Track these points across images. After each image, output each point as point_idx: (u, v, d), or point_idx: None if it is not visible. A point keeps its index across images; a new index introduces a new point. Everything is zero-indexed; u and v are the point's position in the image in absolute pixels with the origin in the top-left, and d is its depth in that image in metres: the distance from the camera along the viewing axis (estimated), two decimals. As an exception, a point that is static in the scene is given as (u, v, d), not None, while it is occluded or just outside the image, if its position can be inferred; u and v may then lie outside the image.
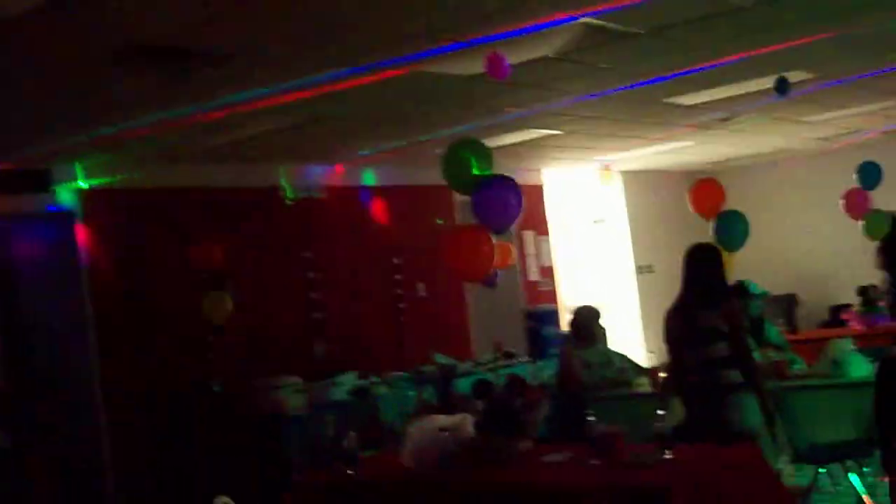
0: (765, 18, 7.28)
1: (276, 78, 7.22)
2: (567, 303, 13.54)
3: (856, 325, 9.31)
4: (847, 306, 12.20)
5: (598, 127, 11.35)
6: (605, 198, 15.29)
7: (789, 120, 12.43)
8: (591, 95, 9.29)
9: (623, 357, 8.94)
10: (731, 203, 17.78)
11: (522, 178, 13.24)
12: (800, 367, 7.91)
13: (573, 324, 8.42)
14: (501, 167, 12.63)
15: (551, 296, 13.64)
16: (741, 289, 8.44)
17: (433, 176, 11.85)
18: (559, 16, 6.51)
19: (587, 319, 8.36)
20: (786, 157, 15.90)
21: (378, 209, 11.86)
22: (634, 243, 15.51)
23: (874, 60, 9.35)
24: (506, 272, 11.80)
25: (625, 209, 15.58)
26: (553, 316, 11.88)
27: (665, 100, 10.07)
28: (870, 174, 10.85)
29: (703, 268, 6.36)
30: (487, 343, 12.04)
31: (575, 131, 11.39)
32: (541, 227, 13.77)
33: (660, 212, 15.78)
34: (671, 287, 14.19)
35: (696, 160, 15.55)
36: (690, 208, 8.39)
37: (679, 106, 10.43)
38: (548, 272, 13.76)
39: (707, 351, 6.16)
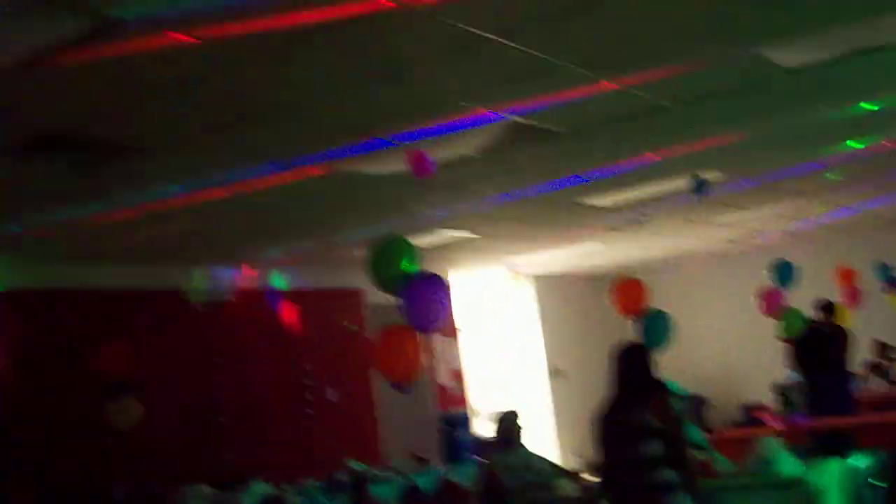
0: (683, 119, 7.32)
1: (188, 174, 7.01)
2: (478, 406, 13.37)
3: (774, 424, 9.26)
4: (760, 405, 12.23)
5: (512, 229, 11.31)
6: (514, 300, 15.23)
7: (700, 221, 12.55)
8: (507, 196, 9.25)
9: (544, 460, 8.74)
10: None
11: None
12: (725, 465, 7.81)
13: (497, 428, 8.20)
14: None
15: (461, 400, 13.42)
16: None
17: (344, 279, 11.76)
18: (486, 113, 6.43)
19: (511, 423, 8.16)
20: (692, 259, 16.02)
21: (287, 312, 11.57)
22: (547, 347, 15.43)
23: (785, 160, 9.47)
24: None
25: (536, 312, 15.52)
26: (467, 420, 11.65)
27: (580, 200, 10.06)
28: (784, 273, 10.95)
29: (633, 365, 6.21)
30: (399, 448, 11.76)
31: (488, 233, 11.32)
32: (450, 330, 13.59)
33: (571, 315, 15.78)
34: (585, 390, 14.20)
35: (605, 263, 15.61)
36: (614, 308, 8.29)
37: (593, 207, 10.42)
38: (457, 375, 13.54)
39: (640, 450, 5.98)
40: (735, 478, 7.39)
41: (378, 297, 12.29)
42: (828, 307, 11.18)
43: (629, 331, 17.76)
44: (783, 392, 9.99)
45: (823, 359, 10.21)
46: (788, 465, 7.03)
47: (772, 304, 10.73)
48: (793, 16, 5.53)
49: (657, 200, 10.49)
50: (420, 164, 6.48)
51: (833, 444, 8.21)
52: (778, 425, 9.10)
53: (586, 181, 9.07)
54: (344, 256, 10.91)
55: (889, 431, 8.68)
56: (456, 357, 13.52)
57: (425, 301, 6.02)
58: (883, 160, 10.02)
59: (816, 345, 10.52)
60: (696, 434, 8.55)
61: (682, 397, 8.45)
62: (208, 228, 8.88)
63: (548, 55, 5.48)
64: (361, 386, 11.86)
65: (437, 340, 13.09)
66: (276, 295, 11.37)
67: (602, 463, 6.33)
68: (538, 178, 8.68)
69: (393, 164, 7.16)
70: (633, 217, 11.51)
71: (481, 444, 11.46)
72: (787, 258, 11.57)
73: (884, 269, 13.65)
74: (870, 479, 7.38)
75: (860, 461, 7.51)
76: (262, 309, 11.25)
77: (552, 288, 15.83)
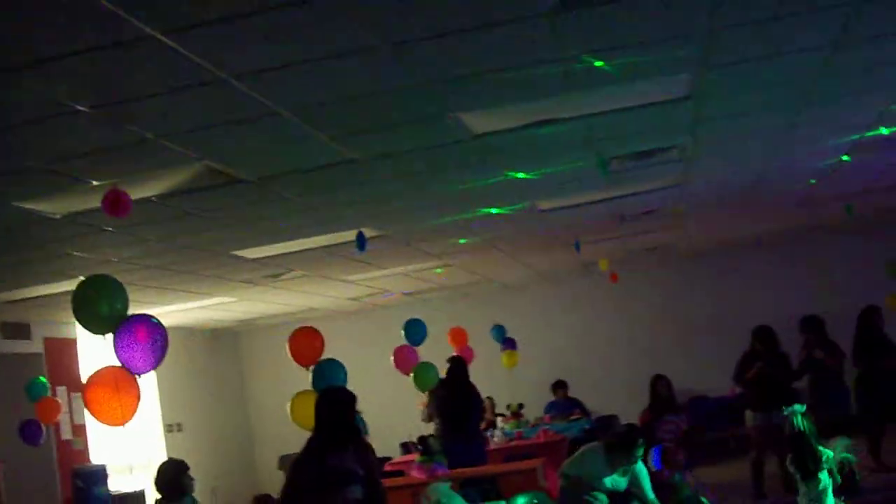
0: (363, 174, 7.58)
1: None
2: (100, 461, 12.83)
3: (417, 475, 9.62)
4: (388, 459, 12.64)
5: (151, 277, 11.02)
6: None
7: (334, 278, 12.86)
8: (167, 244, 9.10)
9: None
10: (253, 360, 18.01)
11: (53, 332, 12.63)
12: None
13: (159, 480, 7.98)
14: (32, 320, 12.06)
15: (82, 455, 12.84)
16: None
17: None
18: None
19: (174, 474, 7.96)
20: (313, 315, 16.29)
21: None
22: (163, 402, 15.09)
23: (436, 221, 9.99)
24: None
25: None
26: (103, 475, 11.13)
27: (229, 251, 10.03)
28: (416, 331, 11.41)
29: (335, 409, 6.32)
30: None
31: (127, 281, 10.97)
32: (73, 384, 13.01)
33: (188, 370, 15.56)
34: (200, 444, 13.98)
35: (223, 317, 15.56)
36: (289, 356, 8.35)
37: (241, 258, 10.44)
38: (80, 430, 12.97)
39: (340, 495, 6.09)
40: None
41: (4, 345, 11.75)
42: (458, 363, 11.80)
43: (247, 385, 17.95)
44: (426, 443, 10.41)
45: (459, 413, 10.75)
46: (462, 506, 7.39)
47: (405, 360, 11.14)
48: (491, 86, 5.95)
49: (300, 254, 10.68)
50: (115, 203, 6.31)
51: (485, 491, 8.71)
52: (421, 475, 9.47)
53: (246, 230, 9.11)
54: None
55: (524, 477, 9.31)
56: (80, 411, 12.94)
57: (140, 342, 5.84)
58: (516, 226, 10.83)
59: (453, 400, 11.04)
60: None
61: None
62: None
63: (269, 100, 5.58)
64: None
65: (61, 394, 12.53)
66: None
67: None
68: (204, 225, 8.61)
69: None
70: (274, 271, 11.64)
71: (120, 499, 11.03)
72: (410, 317, 12.00)
73: (499, 330, 14.63)
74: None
75: (520, 501, 8.03)
76: None
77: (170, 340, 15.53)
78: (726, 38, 5.70)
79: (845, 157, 9.70)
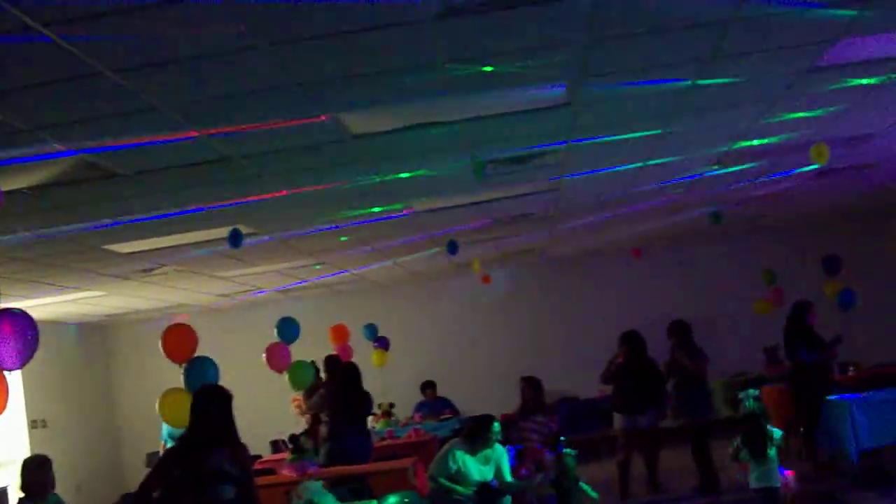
0: (244, 170, 7.54)
1: None
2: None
3: (288, 473, 9.57)
4: (258, 457, 12.55)
5: (19, 271, 10.76)
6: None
7: (205, 274, 12.72)
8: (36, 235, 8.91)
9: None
10: (121, 355, 17.71)
11: None
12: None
13: (23, 477, 7.78)
14: None
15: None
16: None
17: None
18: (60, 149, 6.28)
19: (38, 470, 7.77)
20: (185, 309, 16.07)
21: None
22: (27, 397, 14.72)
23: (311, 220, 9.98)
24: None
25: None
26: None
27: (102, 245, 9.86)
28: (289, 329, 11.36)
29: (212, 408, 6.25)
30: None
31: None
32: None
33: (54, 364, 15.21)
34: (66, 441, 13.72)
35: (92, 312, 15.26)
36: (161, 352, 8.23)
37: (112, 252, 10.26)
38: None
39: (213, 494, 6.04)
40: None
41: None
42: (334, 363, 11.79)
43: (115, 381, 17.61)
44: (296, 441, 10.34)
45: (353, 407, 10.71)
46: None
47: (278, 358, 11.07)
48: (372, 88, 5.99)
49: (173, 249, 10.56)
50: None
51: (356, 490, 8.71)
52: (292, 473, 9.42)
53: (119, 224, 8.97)
54: None
55: (395, 476, 9.35)
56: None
57: (9, 337, 5.71)
58: (391, 227, 10.88)
59: (347, 394, 11.00)
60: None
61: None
62: None
63: (149, 97, 5.53)
64: None
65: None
66: None
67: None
68: (78, 218, 8.45)
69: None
70: (146, 266, 11.47)
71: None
72: (284, 315, 11.93)
73: (371, 329, 14.67)
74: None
75: (391, 501, 8.07)
76: None
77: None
78: (603, 50, 5.84)
79: (715, 167, 10.00)
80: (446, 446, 8.84)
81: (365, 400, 10.78)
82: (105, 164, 6.81)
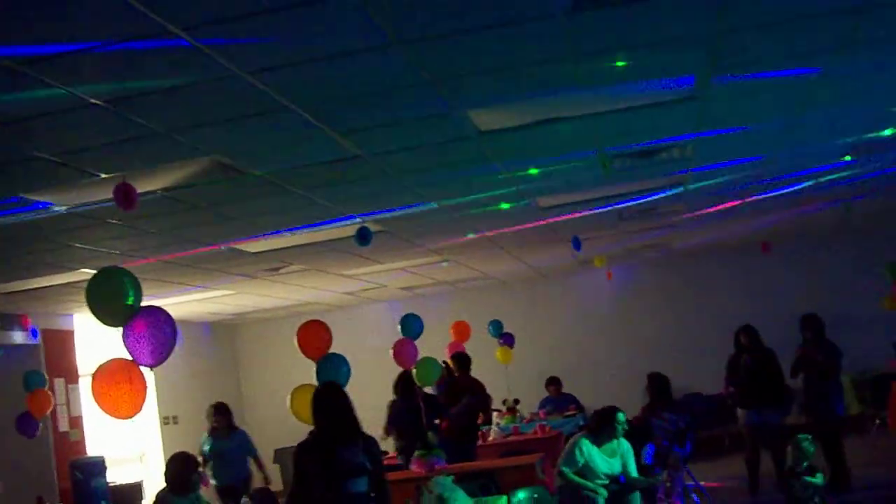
0: (372, 168, 7.61)
1: None
2: (97, 453, 12.84)
3: (416, 469, 9.66)
4: (385, 453, 12.65)
5: (151, 269, 11.04)
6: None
7: (331, 272, 12.89)
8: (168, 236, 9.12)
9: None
10: (248, 354, 18.08)
11: (51, 323, 12.63)
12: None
13: (168, 472, 7.97)
14: (30, 311, 12.05)
15: (80, 447, 12.85)
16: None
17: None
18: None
19: (185, 469, 7.95)
20: (312, 308, 16.28)
21: None
22: (159, 394, 15.10)
23: (437, 218, 10.03)
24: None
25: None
26: (101, 467, 11.16)
27: (233, 244, 10.06)
28: (412, 326, 11.40)
29: (339, 405, 6.36)
30: (15, 494, 11.15)
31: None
32: (71, 375, 13.03)
33: (184, 362, 15.56)
34: (195, 437, 14.05)
35: (220, 310, 15.59)
36: (295, 347, 8.38)
37: (243, 252, 10.47)
38: (77, 422, 12.98)
39: (348, 487, 6.14)
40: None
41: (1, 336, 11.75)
42: (463, 359, 11.88)
43: (242, 377, 18.00)
44: (422, 437, 10.42)
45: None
46: (464, 500, 7.42)
47: (405, 354, 11.15)
48: (503, 83, 6.00)
49: (300, 248, 10.72)
50: (125, 196, 6.35)
51: (484, 486, 8.76)
52: (420, 469, 9.49)
53: (249, 223, 9.15)
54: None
55: (522, 472, 9.36)
56: (77, 402, 12.97)
57: (150, 335, 5.87)
58: (515, 223, 10.89)
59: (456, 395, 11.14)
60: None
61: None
62: None
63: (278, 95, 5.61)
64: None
65: (58, 386, 12.54)
66: None
67: (299, 498, 6.39)
68: (209, 219, 8.64)
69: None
70: (273, 265, 11.67)
71: (118, 491, 11.11)
72: (406, 312, 12.01)
73: (497, 326, 14.69)
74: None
75: (521, 496, 8.09)
76: None
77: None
78: (734, 41, 5.75)
79: (847, 157, 9.77)
80: (573, 439, 8.84)
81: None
82: (235, 164, 6.94)
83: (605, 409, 8.79)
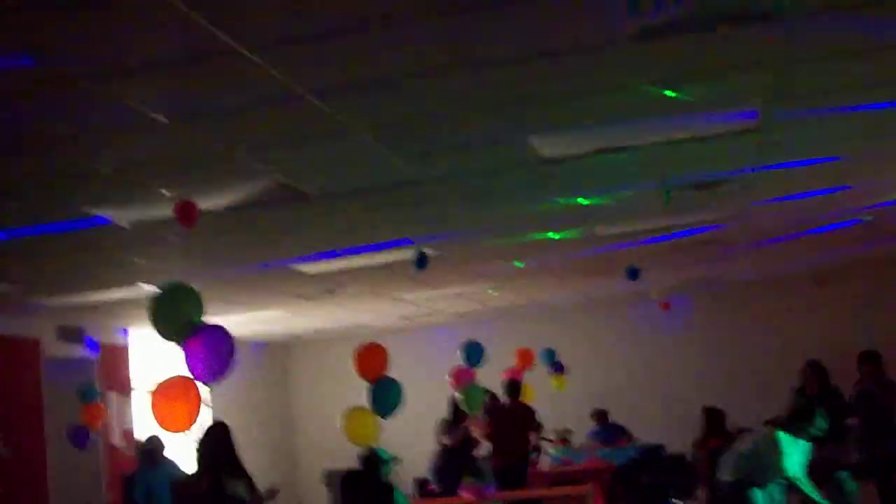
0: (428, 192, 7.64)
1: None
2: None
3: (466, 495, 9.66)
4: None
5: (207, 288, 11.08)
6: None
7: (386, 295, 12.91)
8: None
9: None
10: (300, 374, 18.16)
11: (106, 337, 12.76)
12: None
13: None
14: (87, 325, 12.17)
15: (132, 461, 12.93)
16: (374, 456, 8.47)
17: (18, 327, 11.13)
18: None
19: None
20: (365, 331, 16.27)
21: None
22: (215, 410, 15.16)
23: (492, 243, 10.03)
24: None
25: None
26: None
27: (291, 266, 10.10)
28: (474, 353, 11.37)
29: (223, 441, 6.60)
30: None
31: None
32: (124, 389, 13.15)
33: (237, 379, 15.58)
34: (246, 454, 13.98)
35: (273, 331, 15.68)
36: (349, 370, 8.42)
37: (300, 273, 10.51)
38: (129, 436, 13.08)
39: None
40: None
41: (58, 348, 11.87)
42: (514, 386, 11.85)
43: (293, 398, 18.07)
44: (473, 463, 10.44)
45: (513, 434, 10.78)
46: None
47: (463, 381, 11.12)
48: (568, 111, 5.99)
49: (357, 271, 10.74)
50: (187, 213, 6.41)
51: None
52: (471, 496, 9.49)
53: (308, 245, 9.20)
54: (24, 304, 10.39)
55: (572, 502, 9.32)
56: (129, 417, 13.08)
57: (210, 351, 5.91)
58: (567, 252, 10.86)
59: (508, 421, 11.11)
60: (403, 500, 8.76)
61: (391, 462, 8.68)
62: None
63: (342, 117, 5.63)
64: (32, 441, 11.24)
65: (112, 399, 12.66)
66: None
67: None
68: (269, 239, 8.70)
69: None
70: (330, 286, 11.71)
71: None
72: (461, 337, 11.98)
73: (549, 355, 14.63)
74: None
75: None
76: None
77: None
78: (799, 73, 5.71)
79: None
80: (749, 440, 8.50)
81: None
82: (296, 184, 6.97)
83: (801, 405, 8.41)
